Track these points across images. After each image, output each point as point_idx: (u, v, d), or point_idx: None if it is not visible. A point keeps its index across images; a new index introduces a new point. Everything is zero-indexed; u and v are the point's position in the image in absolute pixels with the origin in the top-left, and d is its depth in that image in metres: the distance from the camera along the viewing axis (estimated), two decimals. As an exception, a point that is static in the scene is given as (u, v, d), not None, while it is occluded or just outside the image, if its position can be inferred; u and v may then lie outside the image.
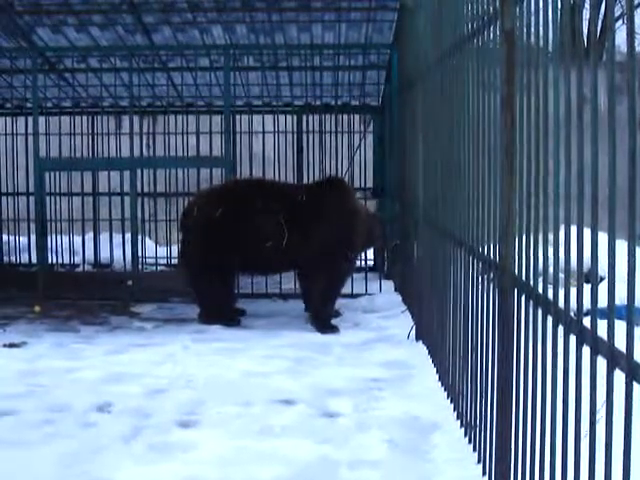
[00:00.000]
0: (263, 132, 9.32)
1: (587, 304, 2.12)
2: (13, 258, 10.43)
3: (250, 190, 6.75)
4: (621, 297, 1.96)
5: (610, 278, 1.95)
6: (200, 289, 6.74)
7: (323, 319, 6.49)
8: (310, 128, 9.92)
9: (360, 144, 9.58)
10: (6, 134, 10.43)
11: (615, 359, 1.92)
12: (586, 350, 2.11)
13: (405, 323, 6.25)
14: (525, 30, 2.80)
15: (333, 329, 6.37)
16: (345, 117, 9.33)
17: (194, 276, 6.73)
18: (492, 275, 3.25)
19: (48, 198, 9.45)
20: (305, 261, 6.64)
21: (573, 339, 2.21)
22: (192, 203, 6.89)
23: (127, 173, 8.28)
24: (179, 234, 6.99)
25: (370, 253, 9.32)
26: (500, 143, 3.02)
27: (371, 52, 8.52)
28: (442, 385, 4.58)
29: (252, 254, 6.57)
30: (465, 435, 3.77)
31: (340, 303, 7.08)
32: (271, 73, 9.25)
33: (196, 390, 4.69)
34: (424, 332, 5.61)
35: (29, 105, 9.86)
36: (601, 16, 14.40)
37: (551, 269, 2.44)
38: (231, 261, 6.61)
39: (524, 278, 2.75)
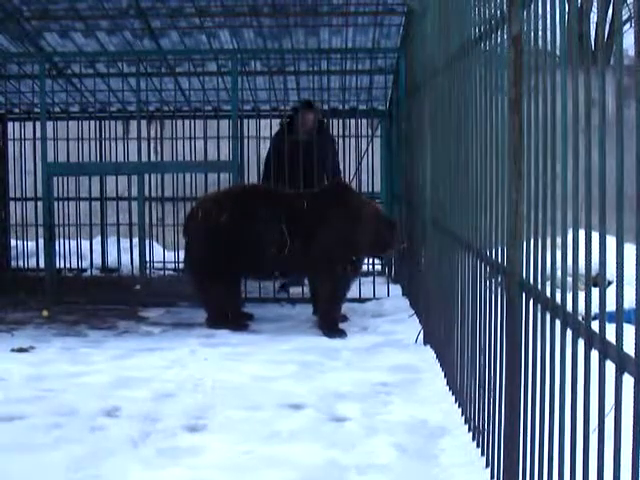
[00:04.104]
0: (271, 137, 9.30)
1: (595, 308, 2.12)
2: (21, 263, 10.45)
3: (255, 196, 6.76)
4: (630, 301, 1.95)
5: (618, 282, 1.95)
6: (205, 294, 6.75)
7: (330, 323, 6.49)
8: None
9: (368, 148, 9.57)
10: (14, 139, 10.44)
11: (623, 363, 1.91)
12: (594, 354, 2.10)
13: (413, 327, 6.25)
14: (532, 34, 2.80)
15: (340, 333, 6.36)
16: (353, 121, 9.33)
17: (199, 281, 6.75)
18: (500, 279, 3.25)
19: (56, 203, 9.47)
20: (309, 266, 6.64)
21: (581, 343, 2.20)
22: (196, 208, 6.90)
23: (135, 178, 8.29)
24: (185, 239, 7.00)
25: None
26: (508, 147, 3.01)
27: (378, 56, 8.52)
28: (450, 389, 4.57)
29: (255, 260, 6.59)
30: (473, 439, 3.76)
31: (348, 307, 7.08)
32: (278, 77, 9.26)
33: (204, 394, 4.70)
34: (432, 336, 5.61)
35: (37, 110, 9.88)
36: (609, 19, 14.39)
37: (559, 273, 2.43)
38: (235, 266, 6.62)
39: (532, 282, 2.75)
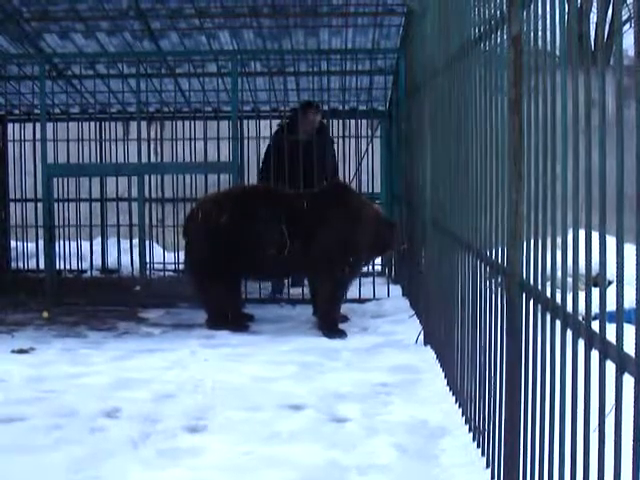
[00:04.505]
0: (270, 137, 9.30)
1: (596, 308, 2.12)
2: (21, 264, 10.45)
3: (255, 196, 6.76)
4: (630, 301, 1.95)
5: (618, 282, 1.94)
6: (206, 295, 6.75)
7: (329, 324, 6.49)
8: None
9: (368, 149, 9.57)
10: (14, 140, 10.44)
11: (624, 363, 1.91)
12: (595, 354, 2.10)
13: (413, 328, 6.25)
14: (532, 34, 2.80)
15: (340, 333, 6.36)
16: (352, 122, 9.33)
17: (199, 282, 6.75)
18: (500, 279, 3.25)
19: (56, 204, 9.46)
20: (309, 267, 6.65)
21: (582, 343, 2.20)
22: (196, 208, 6.90)
23: (135, 179, 8.29)
24: (184, 240, 7.01)
25: (378, 258, 9.31)
26: (508, 147, 3.01)
27: (378, 57, 8.53)
28: (450, 390, 4.57)
29: (255, 260, 6.59)
30: (473, 440, 3.76)
31: (348, 308, 7.08)
32: (278, 78, 9.26)
33: (204, 395, 4.69)
34: (432, 337, 5.60)
35: (37, 111, 9.88)
36: (608, 19, 14.39)
37: (559, 273, 2.43)
38: (236, 266, 6.62)
39: (532, 282, 2.75)
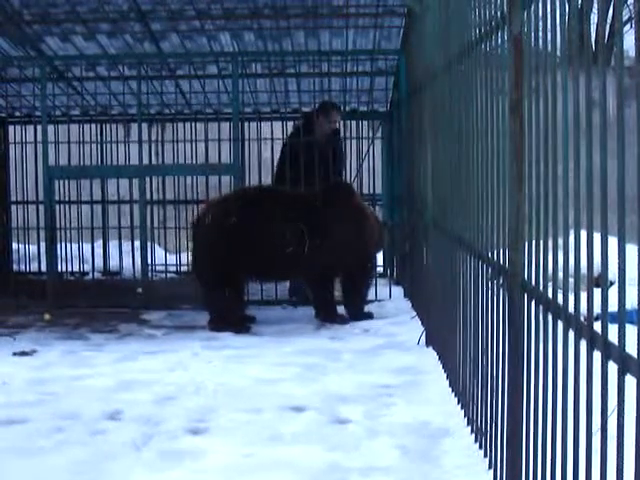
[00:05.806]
0: (272, 139, 9.30)
1: (597, 309, 2.11)
2: (23, 266, 10.45)
3: (264, 198, 6.81)
4: (632, 301, 1.95)
5: (620, 282, 1.94)
6: (212, 298, 6.75)
7: (357, 309, 7.04)
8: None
9: (369, 150, 9.57)
10: (15, 143, 10.45)
11: (626, 364, 1.91)
12: (597, 355, 2.10)
13: (415, 329, 6.24)
14: (533, 35, 2.79)
15: (369, 315, 7.00)
16: (353, 123, 9.32)
17: (206, 285, 6.76)
18: (502, 280, 3.24)
19: (57, 206, 9.46)
20: (321, 264, 6.72)
21: (584, 344, 2.20)
22: (204, 212, 6.91)
23: (136, 181, 8.28)
24: (189, 242, 7.03)
25: (379, 259, 9.31)
26: (509, 148, 3.01)
27: (379, 58, 8.53)
28: (452, 391, 4.57)
29: (267, 261, 6.63)
30: (476, 441, 3.75)
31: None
32: (279, 80, 9.26)
33: (206, 397, 4.69)
34: (434, 338, 5.60)
35: (38, 114, 9.86)
36: (609, 20, 14.38)
37: (561, 274, 2.43)
38: (243, 269, 6.65)
39: (534, 283, 2.74)
